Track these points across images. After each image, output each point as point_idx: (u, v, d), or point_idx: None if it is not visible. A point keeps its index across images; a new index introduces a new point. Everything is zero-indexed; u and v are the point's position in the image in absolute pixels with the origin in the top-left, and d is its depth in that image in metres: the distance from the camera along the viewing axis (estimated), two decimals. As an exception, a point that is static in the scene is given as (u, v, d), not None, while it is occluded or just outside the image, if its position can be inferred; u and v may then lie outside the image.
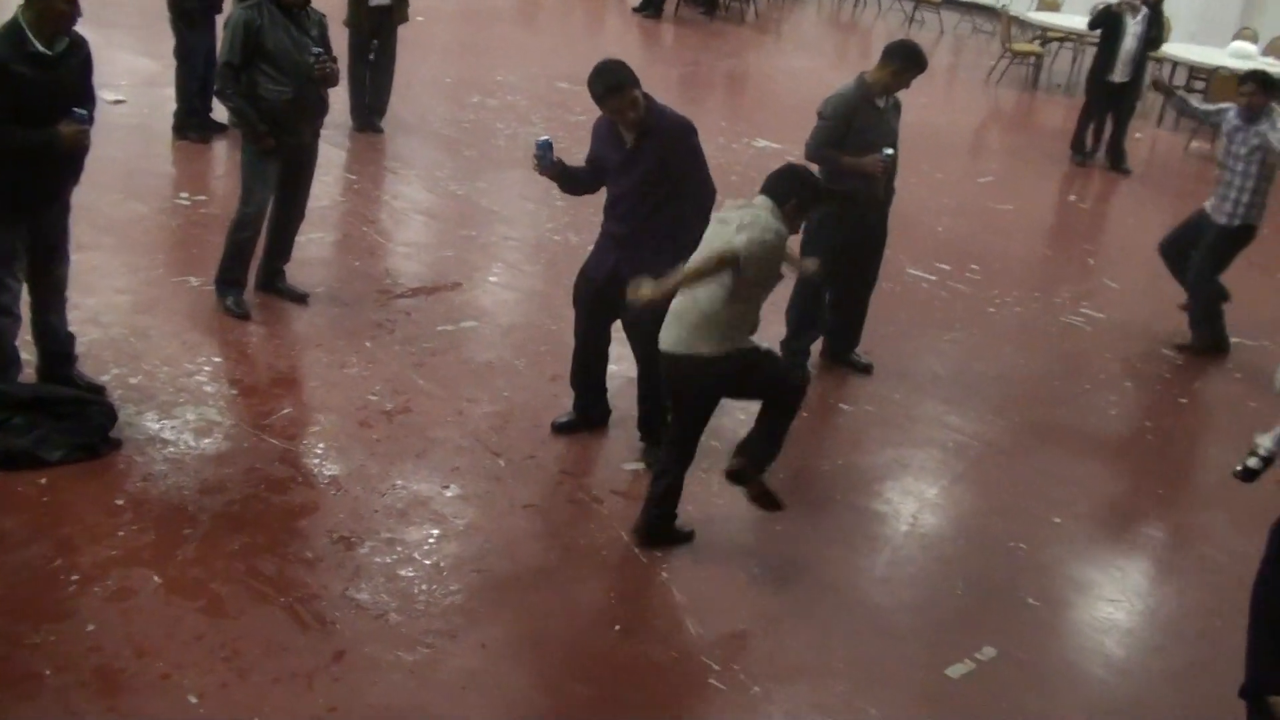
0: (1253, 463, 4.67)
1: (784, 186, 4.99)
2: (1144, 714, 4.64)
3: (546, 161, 5.50)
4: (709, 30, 17.73)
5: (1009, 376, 7.27)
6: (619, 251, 5.52)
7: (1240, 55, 14.84)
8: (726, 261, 4.75)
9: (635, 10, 17.88)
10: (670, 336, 4.95)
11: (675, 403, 5.15)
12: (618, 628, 4.64)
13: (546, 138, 5.54)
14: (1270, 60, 15.45)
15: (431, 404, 6.07)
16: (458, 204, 9.01)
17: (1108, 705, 4.63)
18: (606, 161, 5.52)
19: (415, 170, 9.65)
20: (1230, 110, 7.89)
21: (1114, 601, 5.21)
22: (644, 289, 4.78)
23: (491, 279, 7.77)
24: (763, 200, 4.95)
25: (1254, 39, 16.16)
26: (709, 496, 5.60)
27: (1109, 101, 12.23)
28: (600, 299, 5.63)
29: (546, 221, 8.83)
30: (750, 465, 5.06)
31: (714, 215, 5.05)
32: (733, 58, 16.25)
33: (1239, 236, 7.80)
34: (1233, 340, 8.05)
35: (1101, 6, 12.35)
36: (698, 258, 4.85)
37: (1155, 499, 6.22)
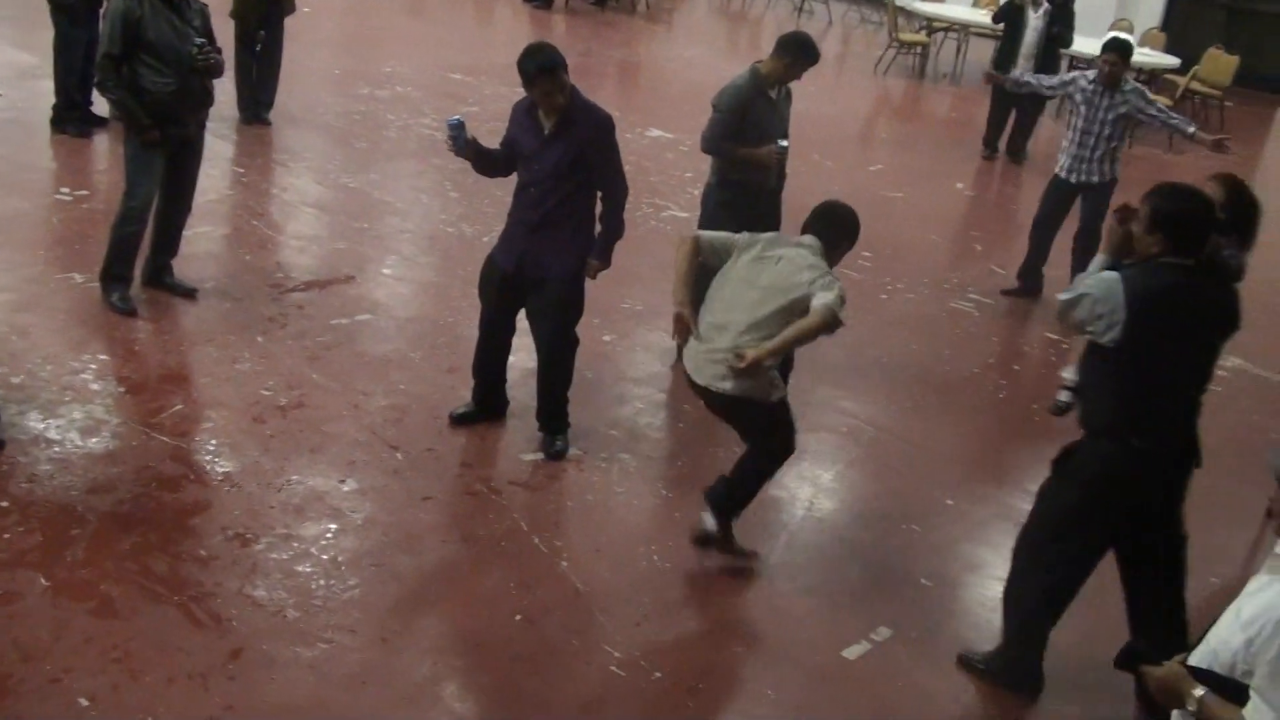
0: (1063, 397, 4.76)
1: (837, 232, 4.99)
2: (1048, 687, 4.75)
3: (460, 142, 5.47)
4: (600, 20, 17.73)
5: (901, 361, 7.39)
6: (527, 239, 5.50)
7: (1118, 45, 15.22)
8: (833, 325, 4.67)
9: (526, 1, 17.82)
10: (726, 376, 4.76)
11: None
12: (519, 617, 4.64)
13: (458, 118, 5.50)
14: (1145, 50, 15.91)
15: (326, 398, 6.01)
16: (349, 196, 8.91)
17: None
18: (521, 146, 5.47)
19: (305, 162, 9.52)
20: (1080, 79, 8.29)
21: (999, 579, 5.32)
22: (749, 353, 4.62)
23: (385, 271, 7.70)
24: (812, 241, 4.91)
25: (1129, 29, 16.60)
26: (608, 485, 5.62)
27: (1013, 95, 12.45)
28: (507, 287, 5.62)
29: (440, 213, 8.77)
30: (723, 524, 5.05)
31: (747, 249, 4.89)
32: (624, 48, 16.28)
33: (1111, 189, 8.30)
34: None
35: (1006, 1, 12.58)
36: (788, 319, 4.68)
37: (1044, 477, 6.35)
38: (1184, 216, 4.04)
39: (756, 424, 4.98)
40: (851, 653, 4.71)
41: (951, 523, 5.71)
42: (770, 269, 4.82)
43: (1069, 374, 4.72)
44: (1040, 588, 4.51)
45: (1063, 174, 8.38)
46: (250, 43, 9.88)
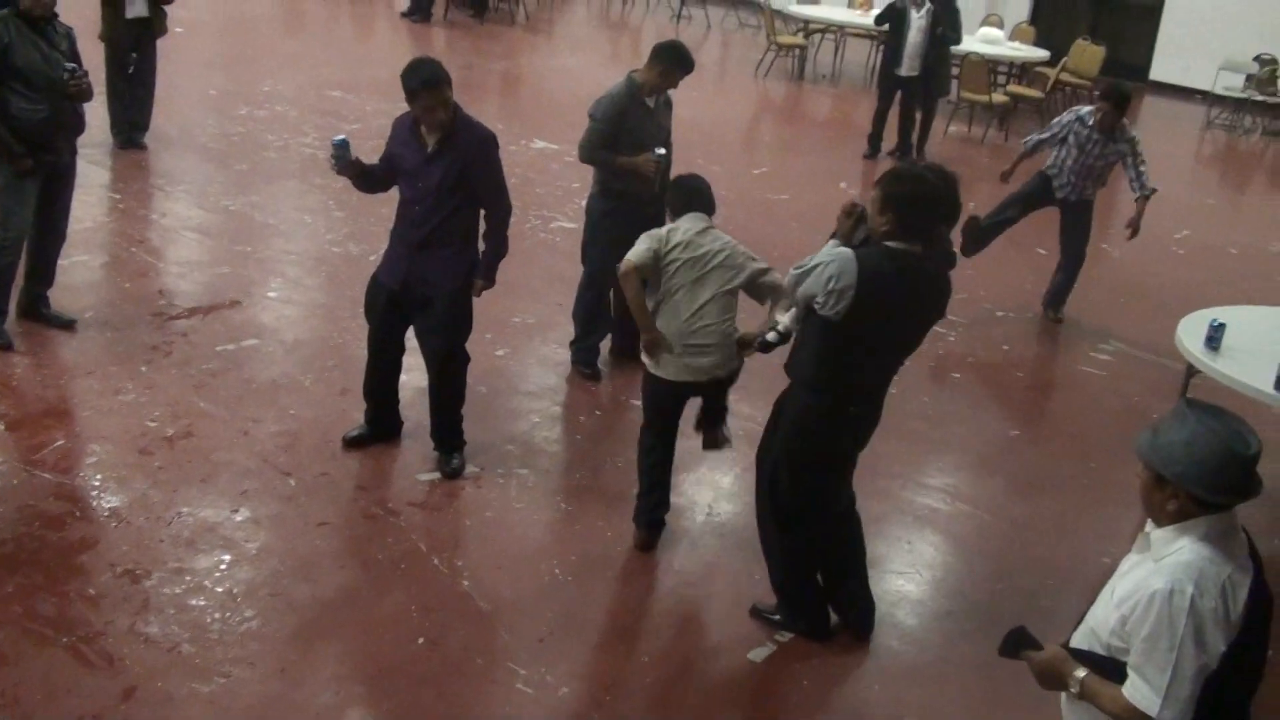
0: (770, 337, 4.88)
1: (708, 203, 5.40)
2: (936, 677, 4.83)
3: (344, 161, 5.40)
4: (480, 33, 17.66)
5: (793, 361, 7.44)
6: (412, 257, 5.45)
7: (988, 40, 15.58)
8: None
9: (403, 15, 17.68)
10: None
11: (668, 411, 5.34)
12: (421, 640, 4.59)
13: (343, 137, 5.43)
14: (1015, 44, 16.29)
15: (215, 427, 5.89)
16: (231, 219, 8.76)
17: (902, 673, 4.80)
18: (403, 161, 5.41)
19: (184, 186, 9.33)
20: (1077, 122, 8.26)
21: (903, 574, 5.40)
22: (749, 334, 5.15)
23: (271, 294, 7.58)
24: (708, 221, 5.32)
25: (1000, 24, 17.00)
26: (507, 501, 5.59)
27: (899, 94, 12.65)
28: (394, 306, 5.56)
29: (326, 233, 8.66)
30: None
31: (671, 256, 5.13)
32: (505, 59, 16.22)
33: (1091, 206, 8.50)
34: (996, 313, 8.46)
35: (888, 2, 12.75)
36: (734, 299, 5.20)
37: (937, 471, 6.46)
38: (911, 198, 4.21)
39: (727, 388, 5.35)
40: (757, 655, 4.74)
41: (849, 519, 5.76)
42: (710, 266, 5.11)
43: (783, 318, 4.84)
44: (778, 536, 4.77)
45: (1055, 183, 8.42)
46: (122, 66, 9.66)
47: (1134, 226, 8.43)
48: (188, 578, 4.76)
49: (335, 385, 6.40)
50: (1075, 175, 8.28)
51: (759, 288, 5.18)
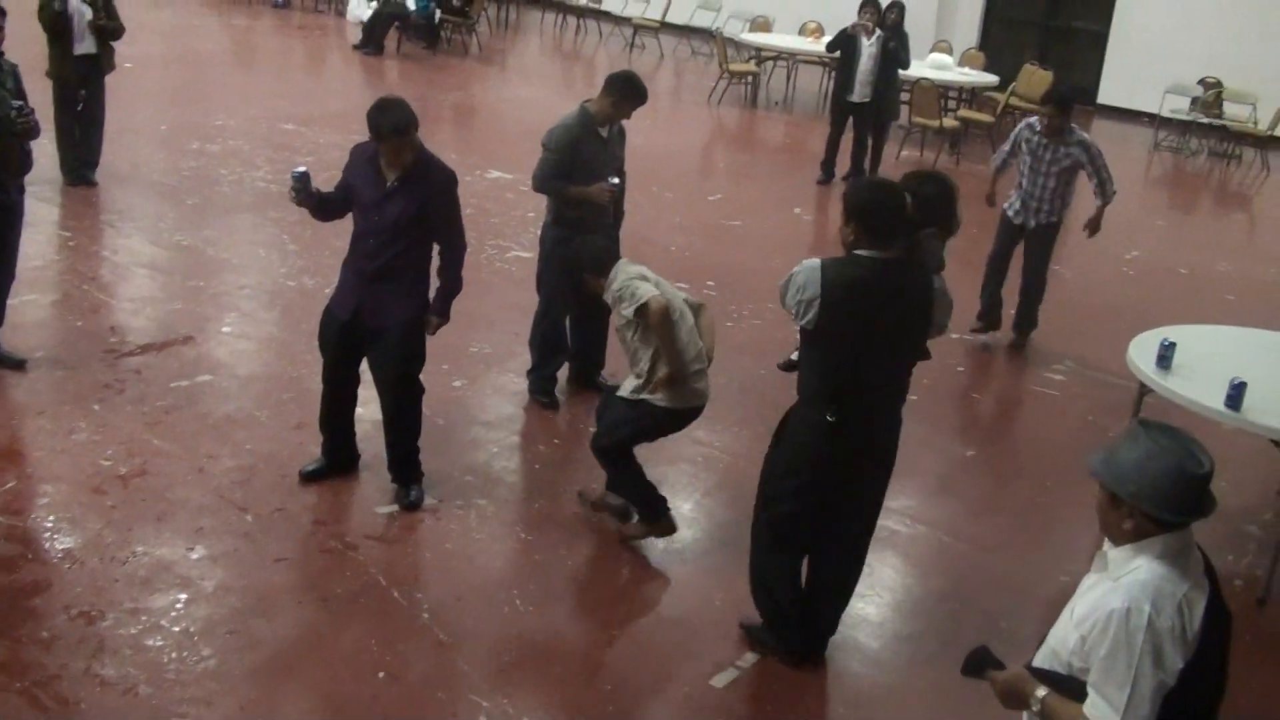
0: (795, 355, 4.93)
1: None
2: (900, 699, 4.84)
3: (304, 193, 5.38)
4: (433, 64, 17.68)
5: (750, 387, 7.47)
6: (364, 289, 5.43)
7: (938, 66, 15.75)
8: None
9: (356, 47, 17.69)
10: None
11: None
12: (382, 674, 4.55)
13: (303, 169, 5.39)
14: (964, 70, 16.47)
15: (170, 464, 5.83)
16: (184, 255, 8.70)
17: (865, 696, 4.81)
18: (361, 194, 5.38)
19: (135, 222, 9.27)
20: (1024, 129, 8.36)
21: (863, 597, 5.40)
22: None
23: (225, 329, 7.53)
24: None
25: (949, 51, 17.18)
26: (466, 532, 5.56)
27: (851, 120, 12.74)
28: (347, 338, 5.53)
29: (280, 266, 8.62)
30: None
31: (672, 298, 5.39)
32: (459, 90, 16.24)
33: (1057, 231, 8.48)
34: (951, 335, 8.51)
35: (840, 29, 12.87)
36: None
37: (894, 492, 6.45)
38: (872, 207, 4.28)
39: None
40: (720, 680, 4.73)
41: (809, 543, 5.77)
42: (681, 307, 5.42)
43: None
44: (766, 555, 4.80)
45: (1010, 212, 8.47)
46: (71, 103, 9.59)
47: (1093, 226, 8.51)
48: (144, 618, 4.70)
49: (291, 419, 6.36)
50: (1034, 191, 8.28)
51: (691, 310, 5.54)
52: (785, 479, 4.63)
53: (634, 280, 5.35)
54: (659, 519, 5.61)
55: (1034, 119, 8.36)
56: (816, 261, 4.29)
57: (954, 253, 8.50)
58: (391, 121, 5.15)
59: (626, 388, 5.49)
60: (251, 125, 12.54)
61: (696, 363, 5.36)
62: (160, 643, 4.57)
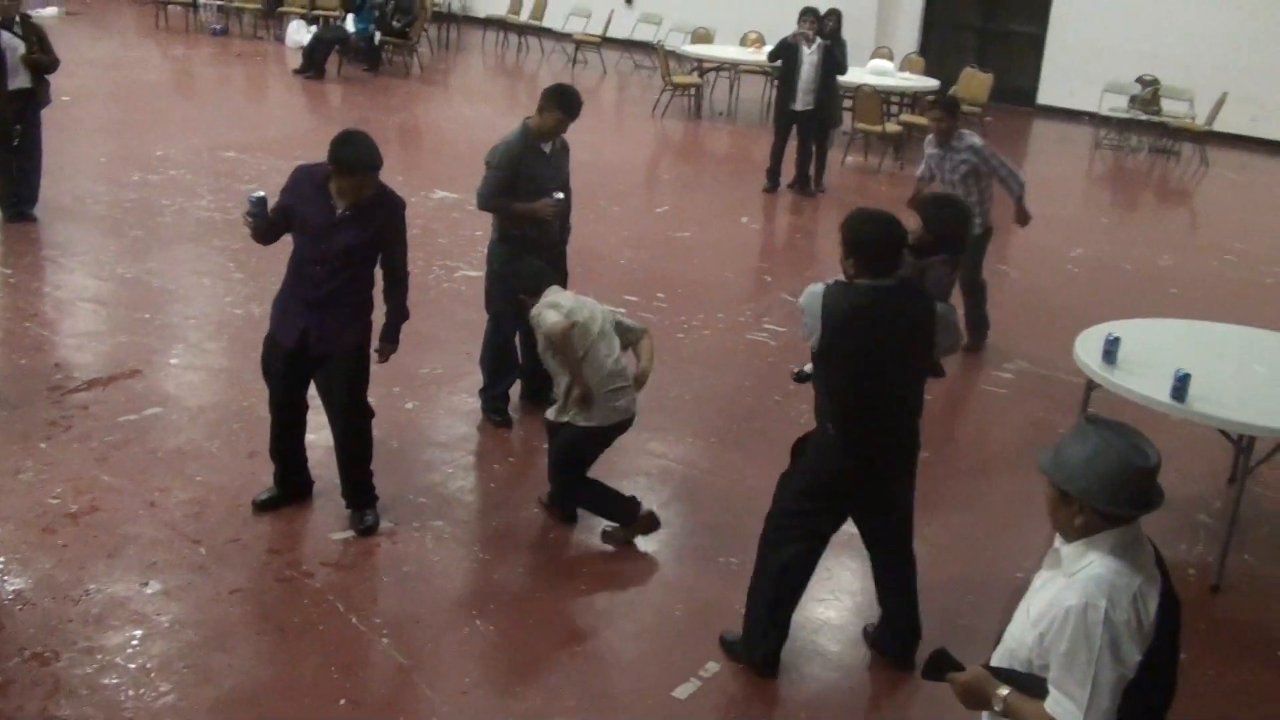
0: (808, 368, 4.99)
1: None
2: (862, 702, 4.86)
3: (260, 219, 5.32)
4: (375, 86, 17.62)
5: (704, 397, 7.49)
6: (308, 315, 5.38)
7: (879, 72, 15.87)
8: None
9: (296, 72, 17.60)
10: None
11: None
12: (343, 701, 4.51)
13: (260, 194, 5.33)
14: (905, 75, 16.62)
15: (120, 499, 5.77)
16: (128, 287, 8.62)
17: (826, 700, 4.82)
18: (307, 220, 5.31)
19: (77, 257, 9.17)
20: (926, 143, 8.49)
21: (823, 601, 5.42)
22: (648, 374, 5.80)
23: (173, 361, 7.46)
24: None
25: (889, 57, 17.33)
26: (424, 554, 5.53)
27: (795, 128, 12.81)
28: (292, 365, 5.49)
29: (225, 296, 8.55)
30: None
31: (586, 319, 5.59)
32: (402, 111, 16.19)
33: (985, 239, 8.48)
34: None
35: (780, 39, 12.96)
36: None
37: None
38: (869, 241, 4.39)
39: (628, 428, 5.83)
40: (682, 692, 4.72)
41: (768, 551, 5.78)
42: (599, 321, 5.62)
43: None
44: (773, 572, 4.81)
45: None
46: (6, 138, 9.48)
47: (1019, 219, 8.60)
48: (99, 656, 4.64)
49: (242, 449, 6.31)
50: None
51: (625, 334, 5.79)
52: (799, 497, 4.74)
53: (544, 308, 5.58)
54: (634, 520, 5.74)
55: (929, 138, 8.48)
56: (820, 287, 4.41)
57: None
58: (363, 158, 5.15)
59: (551, 411, 5.72)
60: (193, 154, 12.44)
61: (614, 380, 5.58)
62: (117, 681, 4.51)
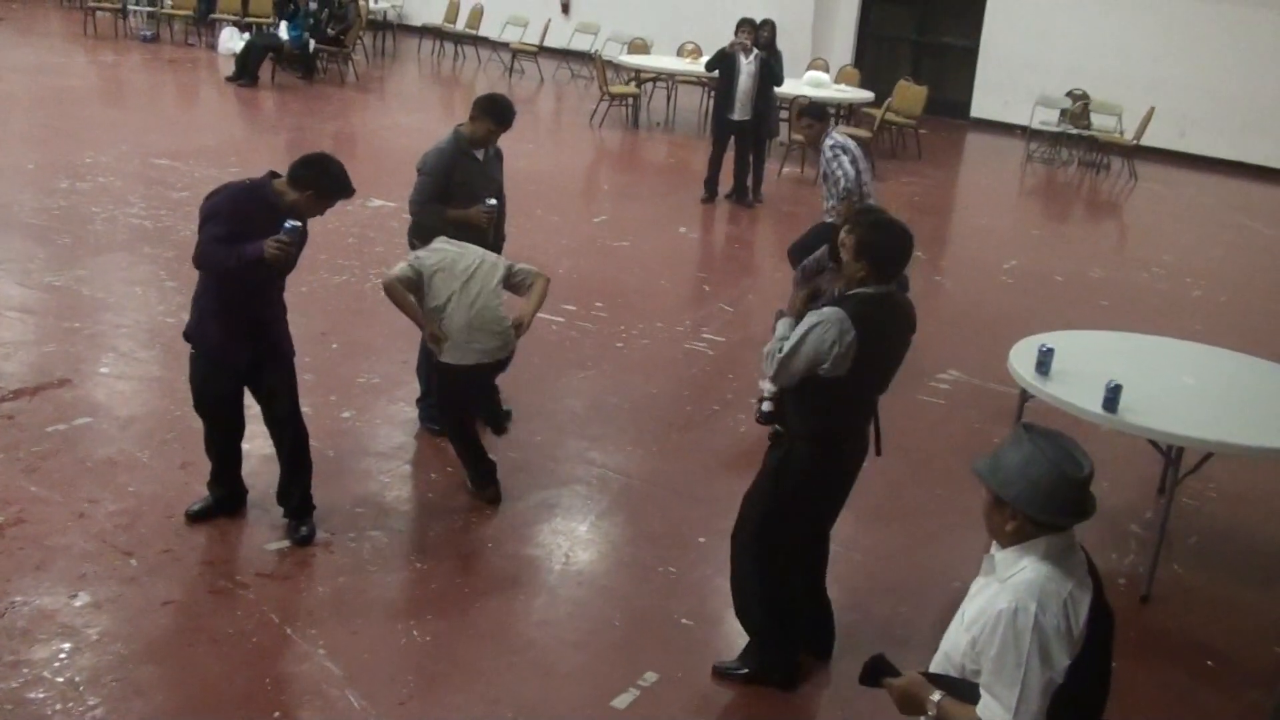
0: (766, 407, 5.05)
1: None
2: (799, 709, 4.87)
3: (296, 248, 5.20)
4: (309, 94, 17.48)
5: (642, 406, 7.49)
6: (259, 333, 5.37)
7: (816, 84, 16.00)
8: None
9: (229, 79, 17.41)
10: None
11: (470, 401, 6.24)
12: (277, 714, 4.45)
13: (297, 222, 5.13)
14: (841, 86, 16.75)
15: (48, 511, 5.66)
16: (56, 296, 8.46)
17: (764, 706, 4.82)
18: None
19: (3, 265, 8.99)
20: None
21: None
22: (526, 320, 6.05)
23: (103, 370, 7.34)
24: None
25: (825, 69, 17.47)
26: (360, 564, 5.48)
27: (733, 139, 12.87)
28: (236, 382, 5.47)
29: (158, 304, 8.42)
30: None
31: (440, 268, 5.89)
32: (337, 119, 16.07)
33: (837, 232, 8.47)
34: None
35: (718, 49, 13.03)
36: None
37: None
38: (885, 246, 4.38)
39: (504, 368, 6.18)
40: (621, 702, 4.71)
41: (705, 561, 5.78)
42: (472, 270, 5.90)
43: (767, 385, 5.05)
44: (760, 588, 4.81)
45: (829, 220, 8.58)
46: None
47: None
48: (25, 670, 4.55)
49: (175, 459, 6.22)
50: (825, 196, 8.53)
51: (515, 283, 6.07)
52: (800, 511, 4.70)
53: (408, 259, 5.96)
54: (483, 488, 6.14)
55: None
56: (837, 311, 4.30)
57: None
58: (349, 184, 5.33)
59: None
60: (123, 161, 12.26)
61: (480, 323, 5.85)
62: (43, 695, 4.42)
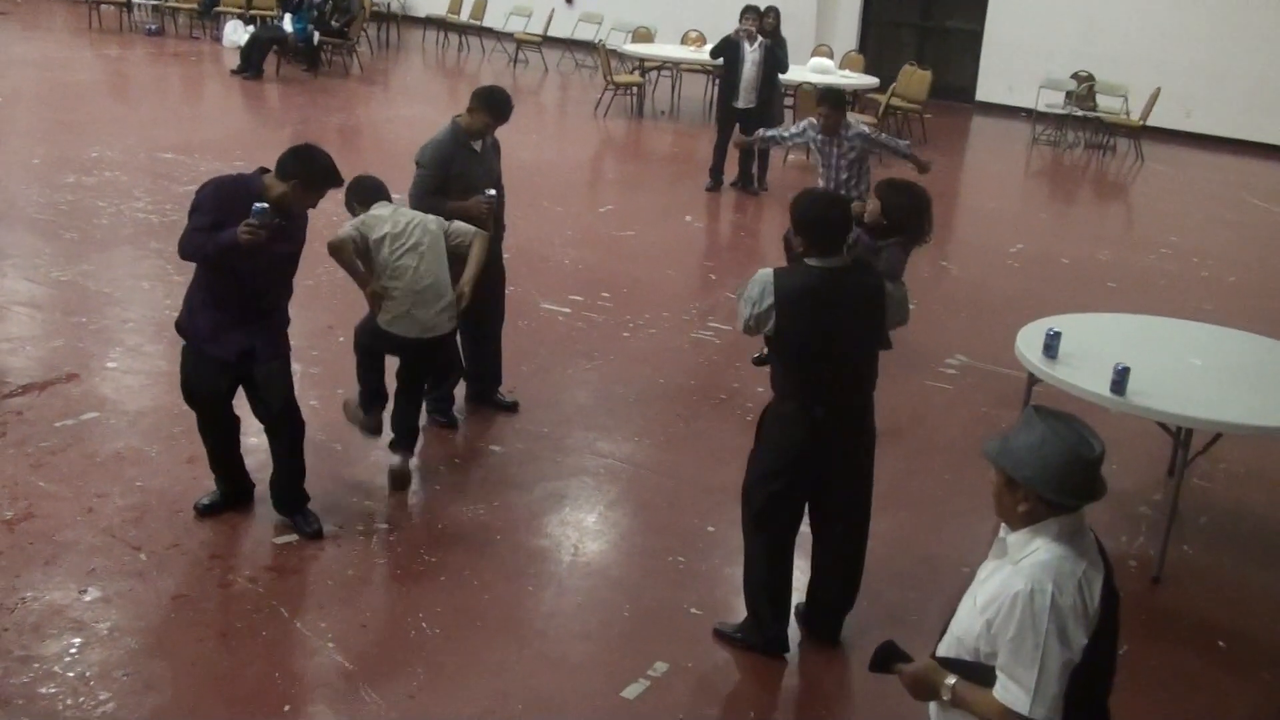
0: (766, 350, 5.10)
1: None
2: (811, 699, 4.87)
3: (265, 230, 5.04)
4: (314, 86, 17.47)
5: (649, 396, 7.48)
6: (253, 328, 5.35)
7: (820, 70, 15.95)
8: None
9: (234, 73, 17.41)
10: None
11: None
12: (287, 708, 4.46)
13: (264, 204, 5.06)
14: (845, 73, 16.70)
15: (57, 505, 5.67)
16: (63, 290, 8.48)
17: (776, 700, 4.82)
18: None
19: (10, 260, 9.00)
20: (809, 128, 8.78)
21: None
22: (467, 290, 5.98)
23: (111, 365, 7.34)
24: (390, 205, 6.08)
25: (829, 54, 17.42)
26: (368, 557, 5.48)
27: (737, 126, 12.83)
28: (225, 378, 5.46)
29: (164, 299, 8.43)
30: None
31: (388, 234, 5.86)
32: (342, 111, 16.06)
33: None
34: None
35: (723, 37, 13.01)
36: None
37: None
38: (816, 220, 4.59)
39: (453, 348, 6.24)
40: (631, 692, 4.71)
41: (714, 549, 5.78)
42: (413, 235, 5.86)
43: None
44: (759, 552, 4.92)
45: None
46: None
47: (920, 167, 8.98)
48: (35, 665, 4.56)
49: (183, 453, 6.22)
50: (830, 185, 8.53)
51: (454, 244, 6.03)
52: (766, 475, 4.81)
53: (350, 222, 5.93)
54: (367, 415, 6.20)
55: (814, 118, 8.79)
56: (769, 271, 4.57)
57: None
58: (336, 175, 5.29)
59: None
60: (129, 156, 12.27)
61: (429, 295, 5.84)
62: (54, 690, 4.43)
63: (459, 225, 6.09)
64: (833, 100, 8.59)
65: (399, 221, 5.89)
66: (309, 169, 5.21)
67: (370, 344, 6.09)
